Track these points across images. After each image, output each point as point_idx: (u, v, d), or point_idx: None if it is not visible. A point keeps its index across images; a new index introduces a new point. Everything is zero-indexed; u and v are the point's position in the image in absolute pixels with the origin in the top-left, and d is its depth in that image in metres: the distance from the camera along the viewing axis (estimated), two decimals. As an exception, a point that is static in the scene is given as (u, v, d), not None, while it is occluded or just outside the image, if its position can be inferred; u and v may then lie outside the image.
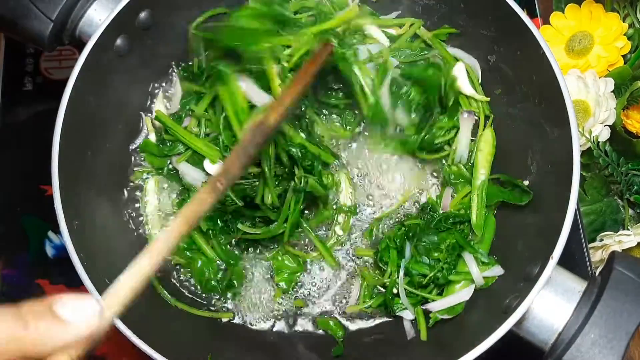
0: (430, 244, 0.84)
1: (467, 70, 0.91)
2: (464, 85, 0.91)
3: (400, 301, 0.85)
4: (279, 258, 0.90)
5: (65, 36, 0.85)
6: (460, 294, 0.82)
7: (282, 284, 0.89)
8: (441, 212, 0.89)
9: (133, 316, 0.72)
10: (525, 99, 0.85)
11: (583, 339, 0.68)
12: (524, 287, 0.72)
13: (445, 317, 0.83)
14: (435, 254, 0.83)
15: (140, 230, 0.91)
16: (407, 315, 0.85)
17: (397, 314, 0.86)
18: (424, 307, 0.83)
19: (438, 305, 0.82)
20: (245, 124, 0.80)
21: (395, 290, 0.85)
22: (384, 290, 0.87)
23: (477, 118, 0.92)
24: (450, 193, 0.91)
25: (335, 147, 0.94)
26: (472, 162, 0.90)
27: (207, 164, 0.84)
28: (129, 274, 0.55)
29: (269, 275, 0.91)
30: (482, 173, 0.88)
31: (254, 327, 0.89)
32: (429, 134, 0.90)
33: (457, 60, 0.92)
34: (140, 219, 0.91)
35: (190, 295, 0.89)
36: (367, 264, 0.91)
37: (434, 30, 0.93)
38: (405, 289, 0.84)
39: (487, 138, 0.90)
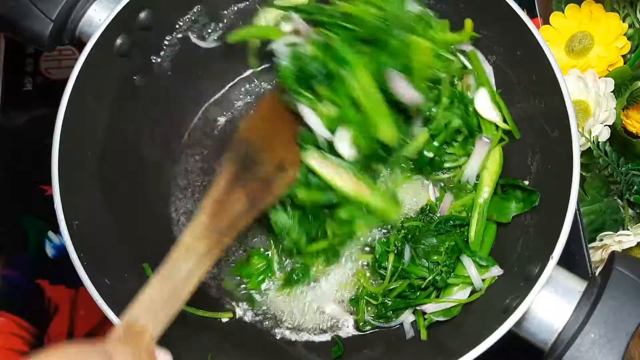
0: (429, 246, 0.84)
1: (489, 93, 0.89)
2: (487, 111, 0.89)
3: (399, 307, 0.85)
4: (246, 266, 0.90)
5: (65, 36, 0.85)
6: (456, 295, 0.82)
7: (254, 291, 0.89)
8: (439, 215, 0.89)
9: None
10: (525, 99, 0.85)
11: (583, 339, 0.68)
12: (524, 287, 0.72)
13: (441, 319, 0.82)
14: (435, 257, 0.83)
15: (140, 230, 0.91)
16: (407, 318, 0.85)
17: (396, 320, 0.86)
18: (419, 308, 0.83)
19: (434, 307, 0.82)
20: None
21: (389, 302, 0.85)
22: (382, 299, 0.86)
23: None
24: (450, 200, 0.90)
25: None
26: (476, 179, 0.89)
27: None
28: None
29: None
30: (485, 191, 0.87)
31: (253, 328, 0.89)
32: (440, 157, 0.89)
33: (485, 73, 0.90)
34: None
35: (190, 295, 0.89)
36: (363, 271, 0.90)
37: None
38: (402, 292, 0.84)
39: (495, 157, 0.88)
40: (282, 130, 0.78)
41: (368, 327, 0.87)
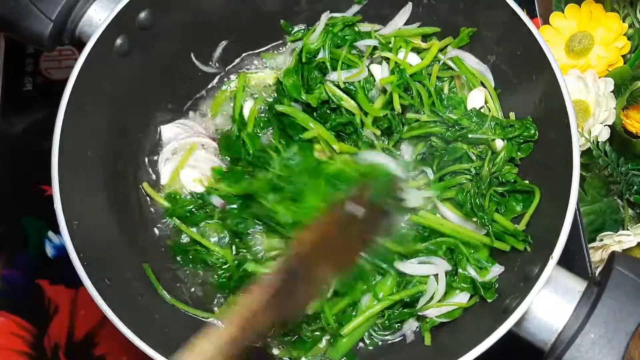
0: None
1: (488, 91, 0.90)
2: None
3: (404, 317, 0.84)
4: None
5: (65, 36, 0.85)
6: (457, 299, 0.82)
7: None
8: None
9: (133, 316, 0.72)
10: (525, 99, 0.85)
11: (583, 339, 0.68)
12: (524, 287, 0.72)
13: (444, 320, 0.82)
14: None
15: (141, 230, 0.91)
16: (411, 326, 0.85)
17: (401, 332, 0.85)
18: (420, 314, 0.83)
19: (435, 311, 0.82)
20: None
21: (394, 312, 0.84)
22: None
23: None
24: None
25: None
26: None
27: None
28: None
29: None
30: None
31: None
32: None
33: (474, 75, 0.90)
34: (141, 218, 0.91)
35: (191, 296, 0.89)
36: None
37: (446, 38, 0.92)
38: (403, 300, 0.83)
39: None
40: (338, 248, 0.72)
41: (373, 342, 0.86)
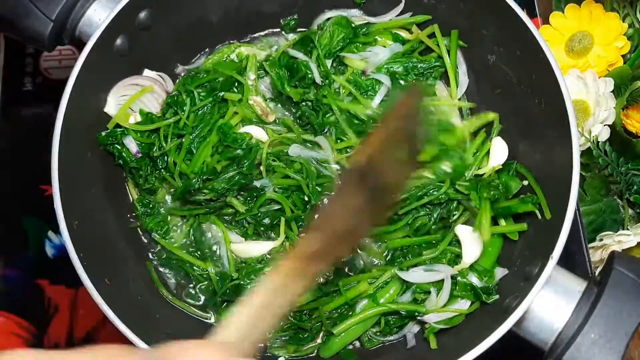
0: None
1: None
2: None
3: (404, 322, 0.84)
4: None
5: (65, 36, 0.85)
6: (457, 305, 0.81)
7: None
8: None
9: (133, 316, 0.72)
10: (525, 99, 0.85)
11: (583, 339, 0.68)
12: (524, 287, 0.72)
13: (442, 327, 0.81)
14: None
15: (140, 230, 0.90)
16: (412, 329, 0.85)
17: (400, 333, 0.85)
18: (420, 318, 0.82)
19: (435, 317, 0.81)
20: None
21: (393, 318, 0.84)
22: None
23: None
24: None
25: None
26: None
27: None
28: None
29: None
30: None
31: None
32: None
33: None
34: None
35: (191, 296, 0.89)
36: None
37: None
38: (404, 309, 0.83)
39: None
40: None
41: (372, 344, 0.86)
